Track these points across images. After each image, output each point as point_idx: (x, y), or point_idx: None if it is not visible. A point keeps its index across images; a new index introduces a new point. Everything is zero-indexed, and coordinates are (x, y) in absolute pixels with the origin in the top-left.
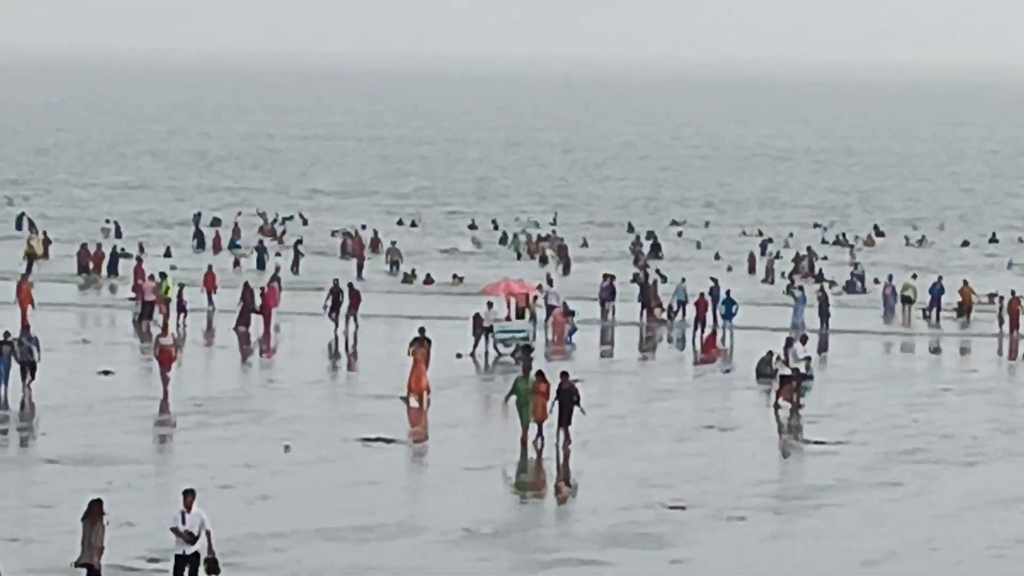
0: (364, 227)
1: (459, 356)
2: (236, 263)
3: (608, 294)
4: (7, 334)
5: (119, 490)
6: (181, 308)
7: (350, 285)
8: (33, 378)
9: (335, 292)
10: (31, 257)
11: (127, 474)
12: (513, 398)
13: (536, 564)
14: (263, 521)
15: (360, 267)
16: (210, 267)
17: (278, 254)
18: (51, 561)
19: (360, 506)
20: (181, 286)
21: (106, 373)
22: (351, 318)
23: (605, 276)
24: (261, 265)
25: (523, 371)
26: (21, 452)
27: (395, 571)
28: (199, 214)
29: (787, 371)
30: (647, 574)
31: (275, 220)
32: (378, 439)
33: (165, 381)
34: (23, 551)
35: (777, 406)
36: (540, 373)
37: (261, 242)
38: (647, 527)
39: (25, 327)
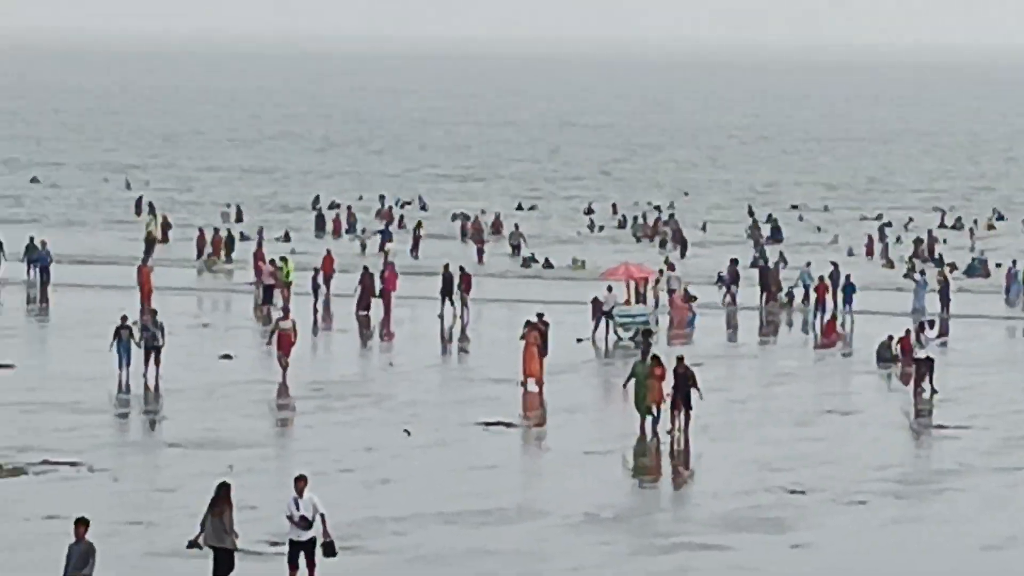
0: (483, 211)
1: (579, 340)
2: (363, 247)
3: (732, 278)
4: (125, 318)
5: (240, 474)
6: (316, 289)
7: (461, 269)
8: (158, 363)
9: (446, 276)
10: (150, 241)
11: (248, 458)
12: (631, 382)
13: (656, 548)
14: (383, 505)
15: (480, 251)
16: (328, 252)
17: (390, 239)
18: (172, 545)
19: (480, 490)
20: (316, 270)
21: (226, 357)
22: (462, 302)
23: (732, 260)
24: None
25: (641, 355)
26: (144, 436)
27: (515, 555)
28: (318, 198)
29: (922, 355)
30: (767, 558)
31: (397, 203)
32: (498, 423)
33: (285, 366)
34: (145, 534)
35: (920, 389)
36: (655, 357)
37: (387, 226)
38: (767, 511)
39: (152, 312)
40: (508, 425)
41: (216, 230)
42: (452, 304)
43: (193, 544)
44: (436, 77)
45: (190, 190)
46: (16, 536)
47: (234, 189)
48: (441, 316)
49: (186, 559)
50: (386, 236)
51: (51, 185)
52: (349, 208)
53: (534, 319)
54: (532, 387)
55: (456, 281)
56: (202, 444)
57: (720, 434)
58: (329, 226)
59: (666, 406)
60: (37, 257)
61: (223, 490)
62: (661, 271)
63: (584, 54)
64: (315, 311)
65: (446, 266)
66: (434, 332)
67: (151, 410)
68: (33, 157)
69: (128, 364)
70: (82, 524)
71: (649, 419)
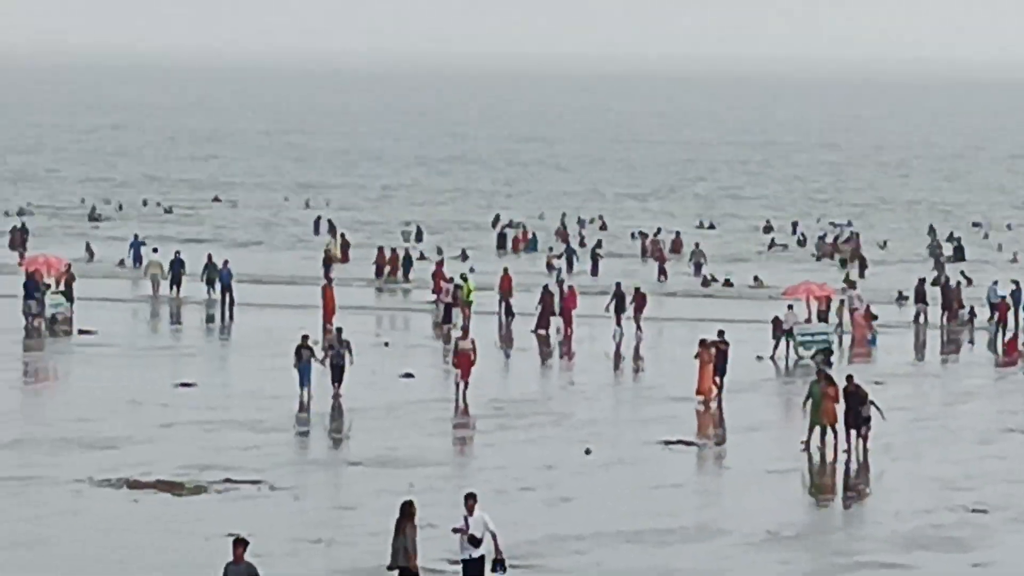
0: (660, 230)
1: (759, 359)
2: (549, 265)
3: (918, 297)
4: (306, 337)
5: (420, 492)
6: (509, 311)
7: (636, 288)
8: (341, 382)
9: (618, 295)
10: (329, 261)
11: (428, 476)
12: (809, 402)
13: (837, 567)
14: (564, 523)
15: (662, 270)
16: (506, 270)
17: (559, 256)
18: (354, 562)
19: (661, 509)
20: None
21: (407, 376)
22: (636, 321)
23: (920, 280)
24: (571, 267)
25: (817, 375)
26: (325, 454)
27: (696, 574)
28: (499, 216)
29: None
30: None
31: (579, 222)
32: (679, 441)
33: (465, 384)
34: (326, 552)
35: None
36: (828, 377)
37: (569, 244)
38: (949, 530)
39: (338, 330)
40: (689, 444)
41: (394, 249)
42: (619, 324)
43: (393, 568)
44: (622, 95)
45: (371, 209)
46: (198, 554)
47: (414, 208)
48: (614, 335)
49: None
50: (571, 253)
51: (231, 204)
52: (524, 227)
53: (708, 338)
54: (701, 406)
55: (629, 299)
56: (383, 463)
57: (902, 453)
58: (509, 244)
59: (840, 425)
60: (220, 276)
61: (407, 508)
62: (844, 289)
63: (771, 72)
64: (501, 328)
65: (618, 284)
66: (613, 351)
67: (332, 428)
68: (216, 176)
69: (309, 383)
70: (241, 545)
71: (826, 437)
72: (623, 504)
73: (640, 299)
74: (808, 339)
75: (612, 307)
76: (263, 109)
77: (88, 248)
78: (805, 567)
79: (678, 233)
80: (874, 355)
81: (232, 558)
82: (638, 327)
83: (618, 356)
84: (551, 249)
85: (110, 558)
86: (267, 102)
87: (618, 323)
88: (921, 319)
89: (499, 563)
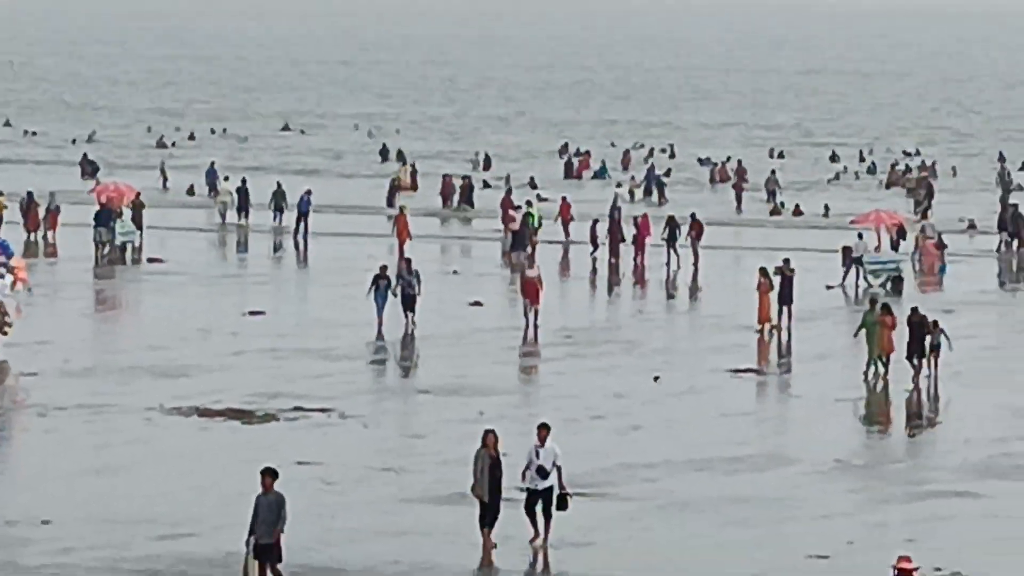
0: (728, 159)
1: (829, 287)
2: (631, 194)
3: (1001, 225)
4: (384, 267)
5: (490, 421)
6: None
7: (692, 215)
8: (413, 311)
9: (671, 224)
10: (395, 189)
11: (498, 405)
12: (862, 331)
13: (909, 495)
14: (634, 451)
15: (739, 198)
16: (564, 199)
17: (638, 185)
18: (423, 491)
19: (730, 437)
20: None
21: (476, 304)
22: (693, 249)
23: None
24: (648, 193)
25: (870, 304)
26: (398, 382)
27: (766, 502)
28: (566, 145)
29: None
30: (1022, 506)
31: (639, 147)
32: (747, 370)
33: (534, 313)
34: (396, 480)
35: None
36: (885, 306)
37: (649, 171)
38: (1022, 459)
39: (407, 260)
40: (758, 372)
41: (463, 177)
42: (675, 252)
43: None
44: (705, 26)
45: (441, 137)
46: None
47: (482, 137)
48: (667, 263)
49: (437, 505)
50: (651, 181)
51: (300, 132)
52: (587, 153)
53: (767, 266)
54: (765, 333)
55: (687, 227)
56: (453, 391)
57: (971, 381)
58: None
59: (898, 356)
60: (300, 204)
61: (483, 437)
62: (918, 219)
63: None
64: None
65: (670, 217)
66: (680, 279)
67: (403, 357)
68: (297, 106)
69: (383, 312)
70: (269, 475)
71: (883, 366)
72: (692, 432)
73: (697, 227)
74: (878, 267)
75: (665, 235)
76: (351, 40)
77: (163, 173)
78: (875, 495)
79: (740, 161)
80: (943, 284)
81: (261, 488)
82: (695, 255)
83: (672, 284)
84: (633, 178)
85: (180, 486)
86: (352, 32)
87: (673, 251)
88: (1003, 247)
89: (562, 498)
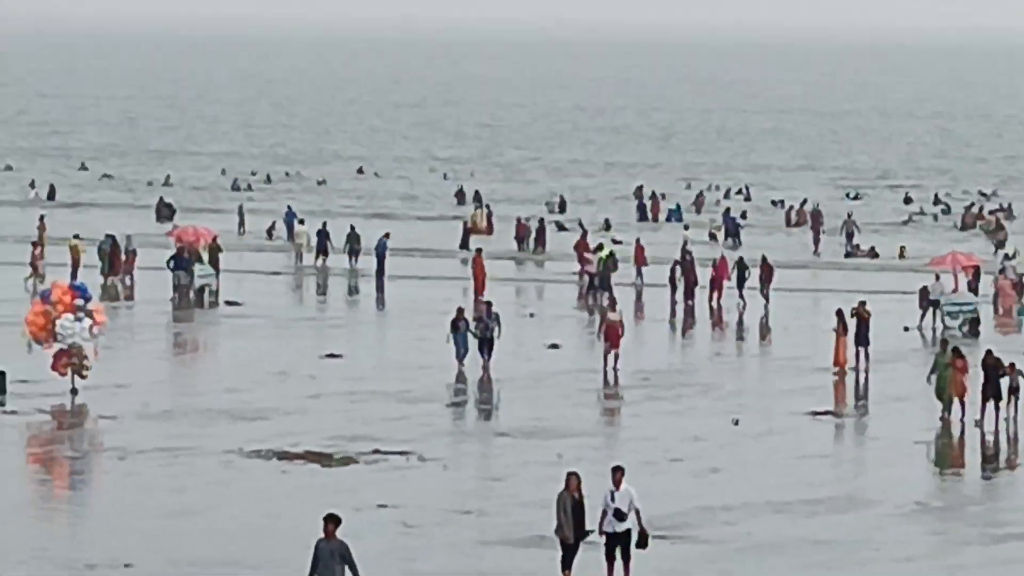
0: (805, 201)
1: (906, 329)
2: (712, 236)
3: None
4: (462, 310)
5: (569, 463)
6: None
7: (763, 258)
8: (491, 354)
9: (740, 266)
10: (469, 231)
11: (576, 447)
12: (934, 375)
13: (988, 538)
14: (713, 493)
15: (816, 240)
16: (637, 240)
17: (719, 228)
18: (503, 533)
19: (809, 479)
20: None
21: (554, 347)
22: (763, 292)
23: None
24: (735, 237)
25: (941, 347)
26: (477, 425)
27: (846, 544)
28: (641, 187)
29: None
30: None
31: (715, 189)
32: (825, 412)
33: (615, 357)
34: (476, 523)
35: None
36: (955, 349)
37: (725, 213)
38: None
39: (487, 303)
40: (835, 414)
41: (541, 219)
42: (741, 296)
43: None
44: (775, 65)
45: (514, 181)
46: (348, 525)
47: (556, 180)
48: (737, 306)
49: (517, 548)
50: (728, 222)
51: (374, 175)
52: (661, 195)
53: (845, 308)
54: (840, 376)
55: (757, 271)
56: (531, 433)
57: None
58: (649, 215)
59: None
60: (377, 247)
61: (569, 479)
62: (1002, 261)
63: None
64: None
65: (740, 259)
66: (754, 322)
67: (481, 400)
68: (364, 149)
69: (464, 355)
70: (332, 522)
71: (955, 411)
72: (771, 475)
73: (767, 270)
74: (955, 309)
75: (734, 279)
76: (417, 82)
77: (241, 216)
78: (956, 537)
79: (816, 204)
80: (1022, 326)
81: (323, 534)
82: (765, 298)
83: (742, 327)
84: (712, 221)
85: (260, 529)
86: (420, 74)
87: (740, 296)
88: None
89: (642, 538)
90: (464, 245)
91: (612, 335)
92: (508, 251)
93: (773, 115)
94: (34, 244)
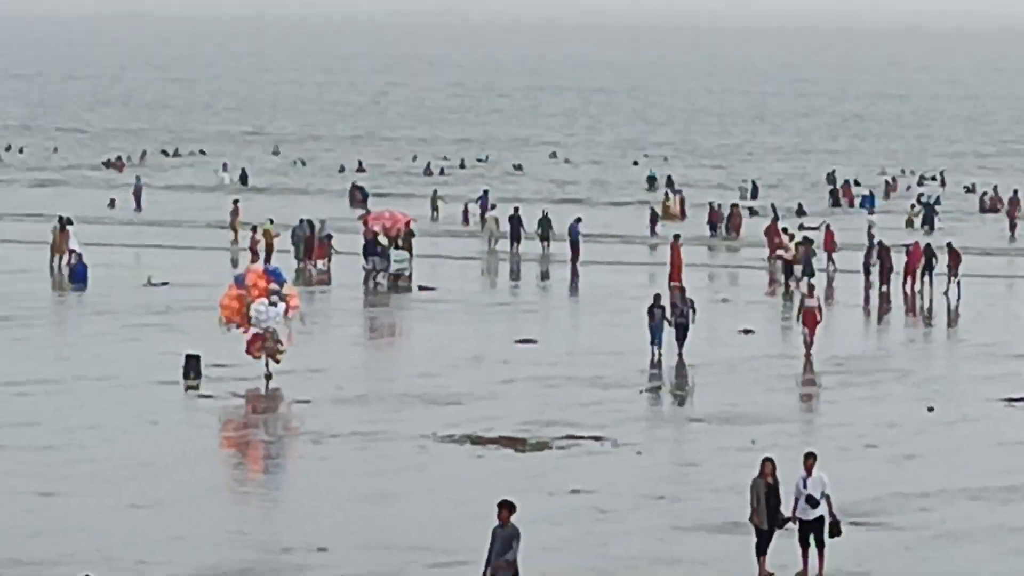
0: (996, 187)
1: None
2: (909, 223)
3: None
4: (657, 296)
5: (764, 449)
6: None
7: (949, 244)
8: (685, 340)
9: (928, 253)
10: (657, 217)
11: (772, 433)
12: None
13: None
14: (908, 480)
15: (1013, 226)
16: (828, 226)
17: (917, 214)
18: (697, 519)
19: (1005, 466)
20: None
21: (747, 332)
22: (950, 278)
23: None
24: (930, 223)
25: None
26: (672, 411)
27: None
28: (833, 172)
29: None
30: None
31: (907, 174)
32: (1022, 399)
33: (809, 343)
34: (668, 509)
35: None
36: None
37: (928, 199)
38: None
39: (681, 289)
40: None
41: (732, 206)
42: (931, 281)
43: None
44: (968, 50)
45: (711, 167)
46: (542, 510)
47: (751, 165)
48: (927, 292)
49: (712, 533)
50: (931, 210)
51: (565, 160)
52: (854, 182)
53: None
54: None
55: (944, 258)
56: (725, 419)
57: None
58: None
59: None
60: (570, 232)
61: (764, 465)
62: None
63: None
64: (829, 283)
65: (916, 243)
66: (945, 309)
67: (675, 385)
68: (558, 135)
69: (660, 341)
70: (506, 508)
71: None
72: (967, 461)
73: (954, 256)
74: None
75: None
76: (609, 66)
77: (434, 202)
78: None
79: (1015, 191)
80: None
81: (498, 520)
82: (954, 284)
83: (929, 313)
84: (912, 207)
85: (455, 514)
86: (611, 59)
87: (928, 280)
88: None
89: (834, 526)
90: (652, 231)
91: (809, 321)
92: (701, 236)
93: (967, 101)
94: (253, 229)
